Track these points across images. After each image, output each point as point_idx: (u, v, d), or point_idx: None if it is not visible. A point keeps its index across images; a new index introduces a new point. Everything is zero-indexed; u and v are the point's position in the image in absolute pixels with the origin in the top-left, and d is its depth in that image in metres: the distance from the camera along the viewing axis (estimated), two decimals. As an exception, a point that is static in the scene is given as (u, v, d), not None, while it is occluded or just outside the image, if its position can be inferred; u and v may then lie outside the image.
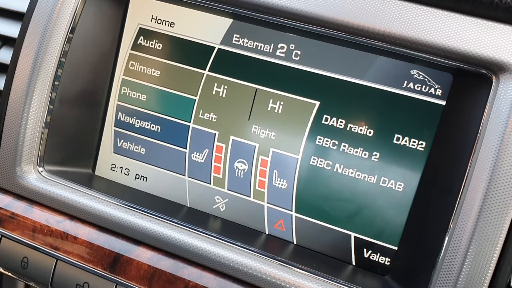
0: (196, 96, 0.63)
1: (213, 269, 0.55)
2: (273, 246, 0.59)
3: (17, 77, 0.62)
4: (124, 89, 0.67)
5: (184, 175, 0.65)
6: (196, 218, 0.62)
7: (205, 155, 0.64)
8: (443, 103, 0.54)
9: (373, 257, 0.58)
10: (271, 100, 0.60)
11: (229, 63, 0.61)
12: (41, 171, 0.62)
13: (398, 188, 0.57)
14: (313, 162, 0.59)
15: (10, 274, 0.64)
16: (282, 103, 0.60)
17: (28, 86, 0.61)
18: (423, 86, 0.55)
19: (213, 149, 0.63)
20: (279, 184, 0.61)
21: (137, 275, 0.58)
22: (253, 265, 0.54)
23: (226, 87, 0.62)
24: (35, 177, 0.62)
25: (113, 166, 0.68)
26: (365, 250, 0.59)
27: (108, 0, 0.64)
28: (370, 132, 0.57)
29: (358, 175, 0.58)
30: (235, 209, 0.63)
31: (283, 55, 0.59)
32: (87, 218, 0.60)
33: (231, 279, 0.55)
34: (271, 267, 0.54)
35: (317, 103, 0.59)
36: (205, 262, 0.56)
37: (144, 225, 0.58)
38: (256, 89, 0.61)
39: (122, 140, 0.68)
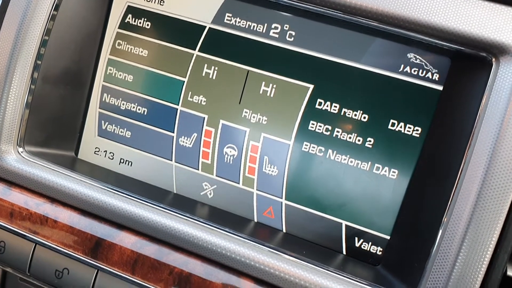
0: (185, 77, 0.61)
1: (199, 255, 0.54)
2: (262, 234, 0.57)
3: (-2, 54, 0.59)
4: (110, 70, 0.64)
5: (171, 160, 0.62)
6: (182, 205, 0.60)
7: (193, 139, 0.61)
8: (440, 88, 0.53)
9: (364, 246, 0.57)
10: (263, 83, 0.58)
11: (220, 44, 0.59)
12: (21, 152, 0.60)
13: (392, 175, 0.55)
14: (305, 148, 0.57)
15: (-15, 259, 0.61)
16: (274, 86, 0.58)
17: (8, 65, 0.59)
18: (420, 70, 0.54)
19: (201, 133, 0.61)
20: (269, 170, 0.59)
21: (119, 261, 0.55)
22: (241, 251, 0.52)
23: (216, 68, 0.60)
24: (14, 158, 0.59)
25: (97, 149, 0.66)
26: (356, 239, 0.57)
27: (95, -25, 0.62)
28: (364, 117, 0.55)
29: (351, 161, 0.56)
30: (223, 196, 0.61)
31: (277, 35, 0.57)
32: (68, 201, 0.57)
33: (217, 265, 0.53)
34: (260, 253, 0.52)
35: (311, 86, 0.57)
36: (190, 247, 0.54)
37: (128, 209, 0.56)
38: (248, 71, 0.59)
39: (106, 123, 0.65)
